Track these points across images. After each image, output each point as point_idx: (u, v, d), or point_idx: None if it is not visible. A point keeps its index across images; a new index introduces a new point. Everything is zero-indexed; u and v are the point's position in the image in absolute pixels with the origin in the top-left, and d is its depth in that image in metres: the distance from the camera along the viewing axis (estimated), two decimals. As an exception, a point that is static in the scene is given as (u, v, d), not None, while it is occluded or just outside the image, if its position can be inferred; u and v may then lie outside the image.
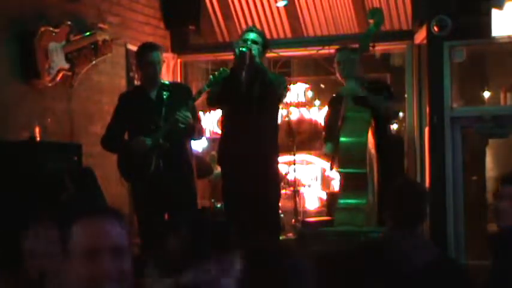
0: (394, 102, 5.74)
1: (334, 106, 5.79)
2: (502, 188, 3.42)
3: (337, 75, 5.79)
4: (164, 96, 5.28)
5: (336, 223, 5.17)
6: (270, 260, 2.11)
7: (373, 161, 5.34)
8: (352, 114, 5.31)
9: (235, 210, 5.27)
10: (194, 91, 5.69)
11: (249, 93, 5.25)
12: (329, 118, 6.02)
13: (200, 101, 5.56)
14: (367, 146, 5.20)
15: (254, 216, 5.09)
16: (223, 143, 5.57)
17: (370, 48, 5.44)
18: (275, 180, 5.50)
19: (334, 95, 6.17)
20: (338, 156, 5.34)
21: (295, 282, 2.09)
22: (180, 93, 5.37)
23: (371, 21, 5.51)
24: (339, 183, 5.58)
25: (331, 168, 5.60)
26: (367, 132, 5.24)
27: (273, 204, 5.44)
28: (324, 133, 6.25)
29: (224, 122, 5.62)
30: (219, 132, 8.27)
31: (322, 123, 7.87)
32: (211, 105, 5.79)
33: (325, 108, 8.67)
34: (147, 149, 5.18)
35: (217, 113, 8.25)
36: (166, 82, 5.60)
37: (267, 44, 5.50)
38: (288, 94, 8.72)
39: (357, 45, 5.56)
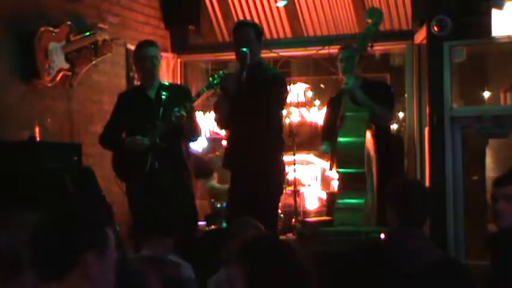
0: (385, 112, 5.59)
1: (333, 106, 5.76)
2: (496, 189, 3.46)
3: (339, 73, 5.75)
4: (163, 97, 5.29)
5: (336, 223, 5.15)
6: (276, 259, 2.11)
7: (371, 161, 5.32)
8: (351, 114, 5.28)
9: (238, 211, 5.26)
10: (194, 91, 5.69)
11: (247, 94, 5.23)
12: (327, 118, 5.99)
13: (200, 101, 5.54)
14: (365, 146, 5.18)
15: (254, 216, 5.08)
16: (227, 145, 5.57)
17: (369, 48, 5.41)
18: (275, 180, 5.45)
19: (333, 96, 6.15)
20: (336, 156, 5.32)
21: (300, 281, 2.09)
22: (179, 95, 5.37)
23: (369, 21, 5.49)
24: (337, 183, 5.55)
25: (331, 168, 5.57)
26: (365, 132, 5.21)
27: (271, 204, 5.41)
28: (321, 132, 6.21)
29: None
30: (219, 132, 8.30)
31: (321, 123, 7.84)
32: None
33: (326, 108, 8.71)
34: (144, 149, 5.18)
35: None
36: (166, 83, 5.62)
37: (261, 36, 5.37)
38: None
39: None
